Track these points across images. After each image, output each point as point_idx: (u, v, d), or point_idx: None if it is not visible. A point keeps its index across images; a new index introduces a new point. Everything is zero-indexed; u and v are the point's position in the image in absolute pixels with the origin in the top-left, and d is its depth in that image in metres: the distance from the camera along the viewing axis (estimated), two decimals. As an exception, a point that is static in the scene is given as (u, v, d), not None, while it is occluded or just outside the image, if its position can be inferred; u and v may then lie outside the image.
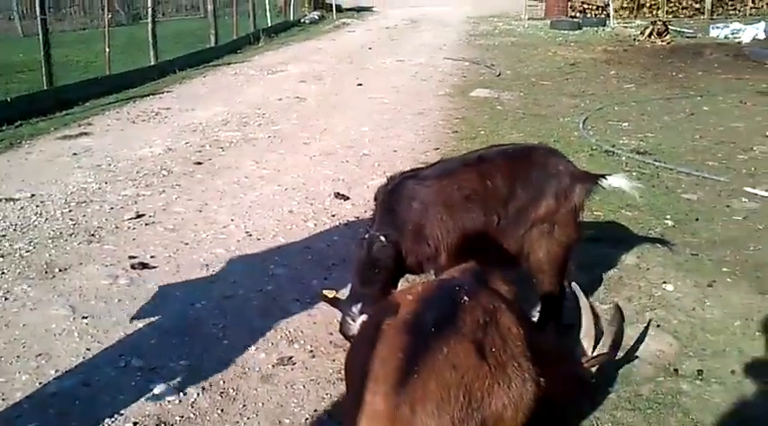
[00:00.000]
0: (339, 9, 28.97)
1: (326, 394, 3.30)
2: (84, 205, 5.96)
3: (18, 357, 3.60)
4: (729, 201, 5.84)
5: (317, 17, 26.91)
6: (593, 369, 3.13)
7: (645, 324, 3.83)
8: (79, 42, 15.98)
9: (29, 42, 13.41)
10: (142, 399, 3.24)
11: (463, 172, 3.50)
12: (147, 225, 5.50)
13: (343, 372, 3.11)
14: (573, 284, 3.57)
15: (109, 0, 14.42)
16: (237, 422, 3.11)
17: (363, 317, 3.09)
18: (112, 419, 3.11)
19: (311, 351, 3.67)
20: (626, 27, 20.79)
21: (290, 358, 3.60)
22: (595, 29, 20.74)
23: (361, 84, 12.04)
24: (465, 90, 11.31)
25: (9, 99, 9.47)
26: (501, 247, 3.52)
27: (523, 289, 3.41)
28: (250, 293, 4.32)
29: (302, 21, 25.88)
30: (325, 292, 3.42)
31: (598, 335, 3.20)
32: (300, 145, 7.95)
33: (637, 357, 3.52)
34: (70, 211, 5.80)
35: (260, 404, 3.23)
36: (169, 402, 3.22)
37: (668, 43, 16.88)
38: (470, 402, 2.15)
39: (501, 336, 2.33)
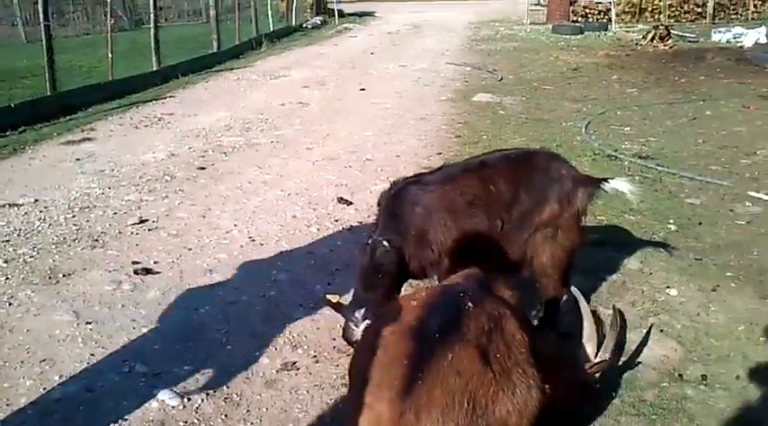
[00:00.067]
0: (341, 14, 29.01)
1: (330, 399, 3.29)
2: (87, 210, 5.97)
3: (22, 362, 3.60)
4: (733, 206, 5.83)
5: (319, 22, 26.96)
6: (597, 375, 3.13)
7: (648, 329, 3.83)
8: (82, 48, 16.05)
9: (32, 48, 13.47)
10: (146, 405, 3.24)
11: (466, 177, 3.51)
12: (150, 230, 5.50)
13: (346, 377, 3.12)
14: (573, 289, 3.57)
15: (112, 6, 14.46)
16: (241, 428, 3.12)
17: (366, 323, 3.09)
18: (116, 424, 3.12)
19: (315, 357, 3.67)
20: (628, 31, 20.79)
21: (294, 363, 3.60)
22: (597, 33, 20.74)
23: (363, 89, 12.05)
24: (467, 95, 11.32)
25: (13, 104, 9.49)
26: (504, 252, 3.52)
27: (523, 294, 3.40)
28: (253, 298, 4.32)
29: (304, 26, 25.92)
30: (328, 297, 3.42)
31: (600, 340, 3.20)
32: (303, 150, 7.96)
33: (640, 362, 3.51)
34: (74, 216, 5.81)
35: (264, 410, 3.23)
36: (173, 407, 3.22)
37: (670, 47, 16.87)
38: (475, 408, 2.15)
39: (505, 343, 2.34)
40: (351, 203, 6.06)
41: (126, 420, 3.14)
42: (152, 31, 13.89)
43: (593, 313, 3.52)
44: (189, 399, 3.28)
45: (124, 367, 3.57)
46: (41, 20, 10.54)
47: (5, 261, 4.87)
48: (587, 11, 24.36)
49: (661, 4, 23.52)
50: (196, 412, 3.19)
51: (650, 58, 15.45)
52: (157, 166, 7.30)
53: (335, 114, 10.01)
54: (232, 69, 15.11)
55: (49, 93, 10.34)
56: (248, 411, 3.22)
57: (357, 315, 3.24)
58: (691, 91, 11.41)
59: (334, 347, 3.73)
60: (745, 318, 3.95)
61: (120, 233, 5.44)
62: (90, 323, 4.02)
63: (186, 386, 3.39)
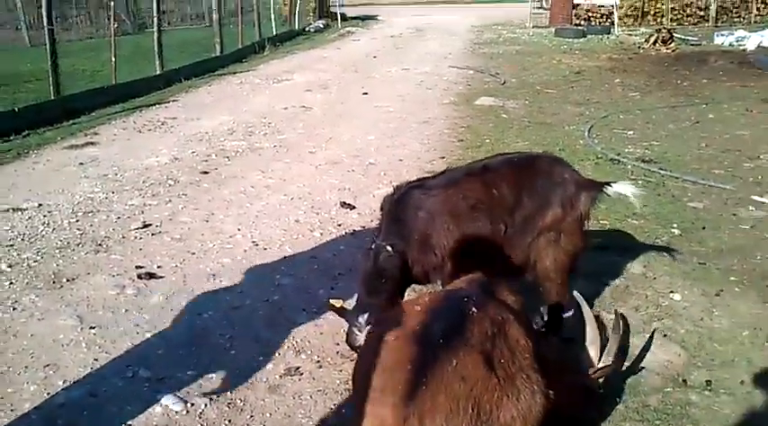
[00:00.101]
0: (344, 18, 29.05)
1: (334, 404, 3.29)
2: (90, 215, 5.98)
3: (26, 367, 3.61)
4: (736, 210, 5.83)
5: (321, 26, 27.01)
6: (601, 380, 3.12)
7: (651, 334, 3.82)
8: (86, 51, 16.08)
9: (36, 52, 13.50)
10: (150, 410, 3.24)
11: (469, 181, 3.51)
12: (153, 234, 5.51)
13: (350, 383, 3.12)
14: (575, 293, 3.58)
15: (115, 9, 14.49)
16: (245, 433, 3.12)
17: (370, 328, 3.09)
18: (120, 430, 3.12)
19: (318, 362, 3.67)
20: (630, 35, 20.79)
21: (297, 368, 3.60)
22: (600, 37, 20.73)
23: (366, 93, 12.07)
24: (470, 98, 11.33)
25: (17, 109, 9.54)
26: (507, 256, 3.52)
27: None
28: (257, 303, 4.32)
29: (307, 29, 25.96)
30: (332, 301, 3.43)
31: (603, 345, 3.20)
32: (306, 154, 7.97)
33: (644, 367, 3.51)
34: (77, 221, 5.82)
35: (267, 415, 3.23)
36: (176, 412, 3.22)
37: (673, 51, 16.87)
38: (479, 414, 2.15)
39: (509, 348, 2.34)
40: (354, 207, 6.07)
41: (129, 425, 3.14)
42: (155, 34, 13.94)
43: (596, 317, 3.52)
44: (192, 404, 3.28)
45: (128, 372, 3.58)
46: (45, 24, 10.57)
47: (9, 266, 4.88)
48: (590, 14, 24.37)
49: (663, 7, 23.53)
50: (200, 418, 3.19)
51: (653, 62, 15.46)
52: (161, 170, 7.31)
53: (338, 118, 10.02)
54: (235, 73, 15.13)
55: (52, 97, 10.37)
56: (252, 416, 3.22)
57: (360, 319, 3.24)
58: (693, 94, 11.41)
59: (338, 352, 3.73)
60: (750, 323, 3.93)
61: (123, 237, 5.45)
62: (94, 327, 4.02)
63: (190, 391, 3.39)
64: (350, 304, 3.58)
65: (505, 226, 3.45)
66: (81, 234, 5.53)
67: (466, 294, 2.53)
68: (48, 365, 3.63)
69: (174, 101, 11.77)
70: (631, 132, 8.77)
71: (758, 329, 3.86)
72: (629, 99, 11.18)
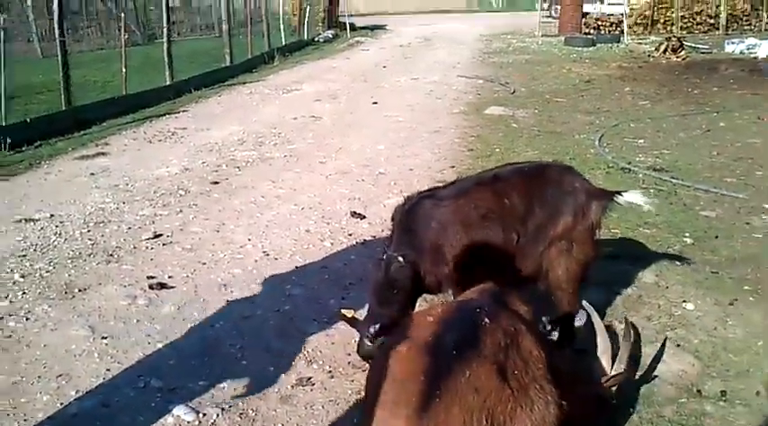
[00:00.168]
0: (353, 27, 29.13)
1: (346, 415, 3.28)
2: (102, 225, 6.00)
3: (39, 377, 3.61)
4: (749, 218, 5.79)
5: (330, 36, 27.09)
6: (614, 390, 3.10)
7: (663, 343, 3.80)
8: (96, 62, 16.19)
9: (48, 63, 13.59)
10: (161, 420, 3.24)
11: (480, 191, 3.51)
12: (164, 245, 5.53)
13: (362, 393, 3.11)
14: (584, 303, 3.56)
15: (125, 21, 14.59)
16: (257, 444, 3.11)
17: (381, 338, 3.08)
18: (132, 440, 3.12)
19: (330, 372, 3.66)
20: (640, 43, 20.78)
21: (309, 378, 3.59)
22: (609, 45, 20.73)
23: (375, 103, 12.09)
24: (480, 108, 11.33)
25: (29, 119, 9.60)
26: (519, 266, 3.51)
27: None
28: (268, 313, 4.32)
29: (316, 39, 26.04)
30: (343, 311, 3.42)
31: (615, 353, 3.18)
32: (316, 164, 7.98)
33: (658, 377, 3.48)
34: (89, 231, 5.84)
35: (279, 425, 3.22)
36: (188, 423, 3.22)
37: (683, 59, 16.84)
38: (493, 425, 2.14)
39: (522, 358, 2.33)
40: (364, 217, 6.07)
41: (142, 435, 3.15)
42: (165, 45, 14.01)
43: (607, 327, 3.50)
44: (204, 414, 3.28)
45: (140, 382, 3.58)
46: (57, 35, 10.66)
47: (22, 276, 4.90)
48: (599, 23, 24.39)
49: (673, 15, 23.51)
50: (211, 428, 3.19)
51: (663, 70, 15.44)
52: (171, 181, 7.34)
53: (348, 128, 10.04)
54: (245, 83, 15.19)
55: (64, 108, 10.45)
56: (263, 426, 3.22)
57: (372, 330, 3.22)
58: (704, 102, 11.38)
59: (349, 362, 3.72)
60: (764, 333, 3.90)
61: (134, 248, 5.47)
62: (106, 338, 4.03)
63: (201, 402, 3.39)
64: (361, 314, 3.58)
65: (517, 235, 3.44)
66: (92, 244, 5.55)
67: (478, 304, 2.52)
68: (60, 375, 3.64)
69: (184, 111, 11.82)
70: (642, 141, 8.75)
71: (773, 339, 3.83)
72: (639, 107, 11.16)
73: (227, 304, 4.46)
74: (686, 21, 23.69)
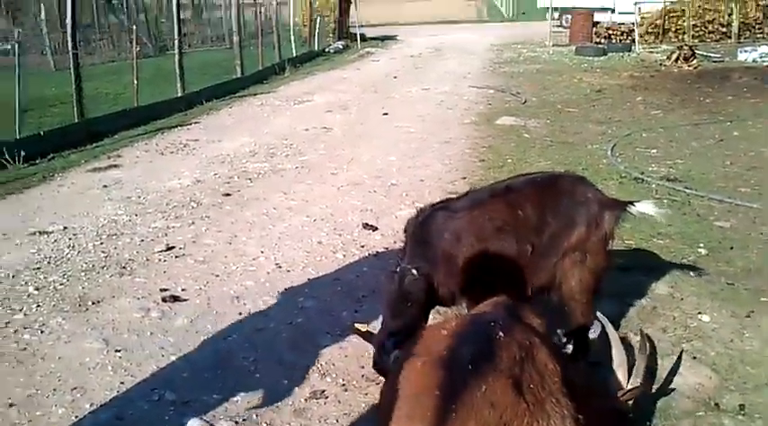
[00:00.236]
0: (363, 38, 29.23)
1: (360, 428, 3.28)
2: (114, 237, 6.03)
3: (54, 390, 3.62)
4: (764, 229, 5.74)
5: (341, 47, 27.19)
6: (630, 403, 3.08)
7: (679, 356, 3.77)
8: (108, 75, 16.34)
9: (60, 76, 13.71)
10: (175, 434, 3.25)
11: (493, 202, 3.50)
12: (177, 257, 5.54)
13: (376, 407, 3.10)
14: (599, 315, 3.54)
15: (137, 33, 14.70)
16: (271, 458, 3.10)
17: (396, 352, 3.06)
18: (146, 454, 3.12)
19: (343, 385, 3.65)
20: (651, 52, 20.74)
21: (323, 391, 3.59)
22: (621, 54, 20.69)
23: (386, 114, 12.10)
24: (491, 118, 11.32)
25: (42, 132, 9.68)
26: (533, 277, 3.50)
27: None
28: (280, 326, 4.32)
29: (327, 50, 26.14)
30: (357, 326, 3.41)
31: (631, 366, 3.16)
32: (328, 175, 7.99)
33: (674, 390, 3.45)
34: (102, 244, 5.87)
35: (293, 439, 3.22)
36: (202, 436, 3.22)
37: (695, 68, 16.78)
38: (509, 440, 2.12)
39: (538, 372, 2.31)
40: (376, 229, 6.06)
41: (156, 449, 3.15)
42: (176, 57, 14.12)
43: (623, 339, 3.47)
44: (218, 428, 3.28)
45: (153, 395, 3.58)
46: (70, 48, 10.75)
47: (37, 289, 4.92)
48: (610, 32, 24.36)
49: (685, 24, 23.43)
50: (225, 442, 3.19)
51: (675, 79, 15.38)
52: (183, 193, 7.36)
53: (359, 139, 10.05)
54: (256, 94, 15.25)
55: (76, 121, 10.53)
56: (277, 440, 3.21)
57: (387, 344, 3.21)
58: (717, 111, 11.32)
59: (363, 375, 3.71)
60: (782, 345, 3.87)
61: (147, 260, 5.48)
62: (119, 350, 4.04)
63: (215, 415, 3.39)
64: (374, 327, 3.57)
65: (531, 246, 3.43)
66: (105, 256, 5.57)
67: (492, 318, 2.51)
68: (75, 388, 3.65)
69: (195, 123, 11.87)
70: (655, 150, 8.71)
71: (791, 351, 3.79)
72: (651, 117, 11.11)
73: (240, 316, 4.47)
74: (698, 29, 23.60)
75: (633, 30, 23.00)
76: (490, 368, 2.23)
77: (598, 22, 25.48)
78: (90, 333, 4.25)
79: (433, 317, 3.64)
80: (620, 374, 3.09)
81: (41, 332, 4.28)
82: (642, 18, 23.75)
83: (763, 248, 5.32)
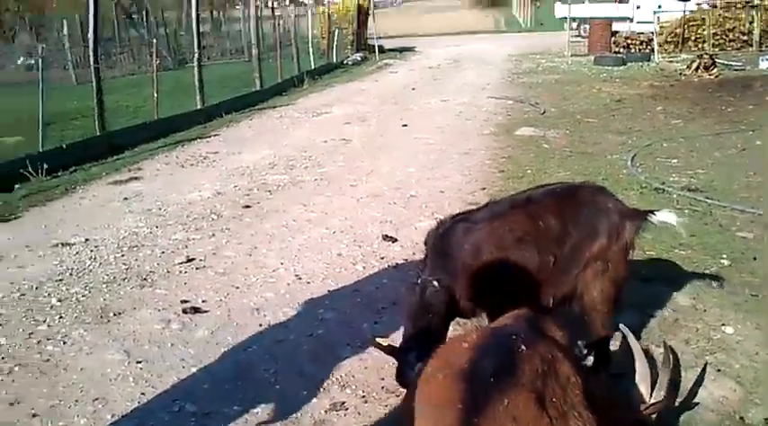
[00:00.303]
0: (381, 50, 29.30)
1: (380, 441, 3.27)
2: (136, 249, 6.07)
3: (76, 401, 3.66)
4: (788, 239, 5.68)
5: (359, 58, 27.27)
6: (653, 417, 3.04)
7: (703, 368, 3.72)
8: (128, 88, 16.53)
9: (82, 90, 13.90)
10: (196, 446, 3.26)
11: (513, 213, 3.49)
12: (197, 269, 5.57)
13: (397, 419, 3.09)
14: (622, 326, 3.51)
15: (157, 46, 14.85)
16: (291, 470, 3.10)
17: (420, 365, 3.05)
18: (168, 466, 3.13)
19: (363, 397, 3.64)
20: (671, 61, 20.61)
21: (343, 403, 3.58)
22: (640, 64, 20.57)
23: (405, 125, 12.10)
24: (510, 129, 11.29)
25: (65, 145, 9.81)
26: (554, 288, 3.48)
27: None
28: (300, 337, 4.33)
29: (345, 62, 26.24)
30: (378, 340, 3.39)
31: (654, 379, 3.12)
32: (347, 187, 8.01)
33: (698, 403, 3.41)
34: (123, 256, 5.91)
35: (313, 452, 3.21)
36: (223, 448, 3.23)
37: (716, 77, 16.64)
38: (532, 455, 2.10)
39: (560, 385, 2.29)
40: (396, 240, 6.06)
41: (177, 461, 3.15)
42: (196, 70, 14.24)
43: (645, 351, 3.44)
44: (239, 440, 3.28)
45: (174, 406, 3.60)
46: (92, 62, 10.90)
47: (59, 300, 4.97)
48: (629, 41, 24.23)
49: (705, 33, 23.28)
50: (246, 454, 3.19)
51: (695, 88, 15.26)
52: (204, 205, 7.41)
53: (378, 150, 10.07)
54: (275, 107, 15.34)
55: (98, 134, 10.65)
56: (298, 452, 3.20)
57: (411, 357, 3.20)
58: (739, 121, 11.21)
59: (383, 387, 3.71)
60: (807, 357, 3.81)
61: (168, 272, 5.52)
62: (140, 362, 4.07)
63: (236, 427, 3.40)
64: (393, 338, 3.56)
65: (553, 257, 3.41)
66: (127, 268, 5.62)
67: (514, 331, 2.49)
68: (97, 399, 3.68)
69: (215, 135, 11.96)
70: (675, 160, 8.64)
71: (816, 364, 3.74)
72: (672, 127, 11.03)
73: (261, 328, 4.48)
74: (718, 38, 23.41)
75: (652, 39, 22.85)
76: (512, 381, 2.21)
77: (617, 32, 25.36)
78: (111, 345, 4.28)
79: (453, 329, 3.64)
80: (643, 387, 3.06)
81: (64, 343, 4.32)
82: (661, 27, 23.63)
83: (787, 259, 5.26)
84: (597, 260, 3.44)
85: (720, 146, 9.30)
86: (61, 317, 4.69)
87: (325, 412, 3.52)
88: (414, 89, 17.58)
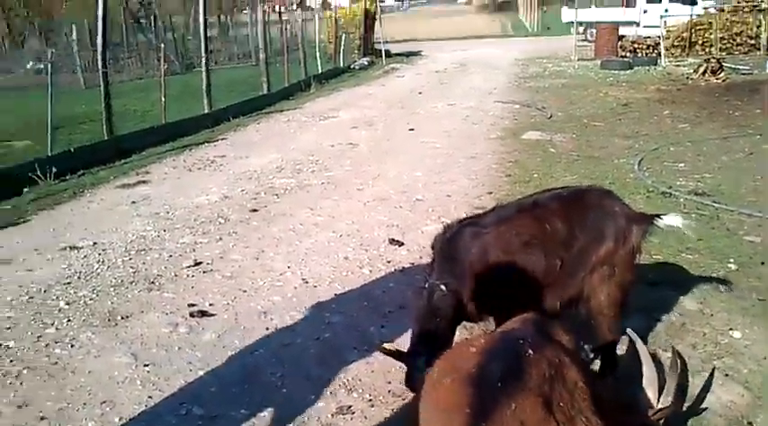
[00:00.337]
0: (388, 54, 29.32)
1: (387, 444, 3.27)
2: (143, 253, 6.09)
3: (84, 404, 3.67)
4: (795, 244, 5.66)
5: (366, 63, 27.30)
6: (661, 421, 3.03)
7: (711, 373, 3.71)
8: (136, 92, 16.58)
9: (90, 94, 13.96)
10: (204, 449, 3.26)
11: (520, 217, 3.49)
12: (205, 272, 5.58)
13: (403, 422, 3.09)
14: (629, 331, 3.51)
15: (164, 50, 14.90)
16: (298, 474, 3.11)
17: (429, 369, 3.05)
18: (175, 469, 3.14)
19: (370, 400, 3.65)
20: (678, 65, 20.58)
21: (349, 407, 3.59)
22: (647, 68, 20.55)
23: (412, 129, 12.11)
24: (517, 133, 11.29)
25: (73, 149, 9.86)
26: (561, 292, 3.49)
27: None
28: (307, 341, 4.33)
29: (352, 66, 26.28)
30: (385, 346, 3.39)
31: (662, 384, 3.11)
32: (354, 191, 8.02)
33: (706, 408, 3.40)
34: (130, 259, 5.93)
35: (320, 455, 3.22)
36: (230, 452, 3.23)
37: (723, 81, 16.61)
38: (539, 459, 2.10)
39: (567, 390, 2.29)
40: (402, 244, 6.06)
41: (184, 464, 3.16)
42: (203, 74, 14.27)
43: (653, 356, 3.43)
44: (246, 443, 3.29)
45: (181, 409, 3.61)
46: (100, 67, 10.94)
47: (67, 304, 4.99)
48: (636, 46, 24.16)
49: (712, 37, 23.21)
50: (253, 457, 3.20)
51: (702, 92, 15.23)
52: (211, 209, 7.43)
53: (385, 154, 10.08)
54: (282, 111, 15.36)
55: (106, 138, 10.70)
56: (305, 456, 3.21)
57: (419, 361, 3.20)
58: (746, 125, 11.18)
59: (390, 391, 3.71)
60: (815, 362, 3.80)
61: (175, 275, 5.53)
62: (148, 365, 4.08)
63: (242, 430, 3.41)
64: (399, 342, 3.57)
65: (561, 261, 3.41)
66: (134, 272, 5.64)
67: (522, 335, 2.49)
68: (104, 402, 3.69)
69: (222, 139, 11.99)
70: (682, 164, 8.63)
71: (825, 368, 3.72)
72: (679, 131, 11.01)
73: (268, 331, 4.49)
74: (725, 42, 23.31)
75: (659, 43, 22.82)
76: (520, 385, 2.21)
77: (623, 36, 25.32)
78: (119, 348, 4.30)
79: (460, 333, 3.64)
80: (651, 392, 3.05)
81: (72, 346, 4.34)
82: (668, 31, 23.58)
83: (795, 263, 5.24)
84: (604, 264, 3.45)
85: (728, 151, 9.29)
86: (69, 320, 4.71)
87: (332, 415, 3.53)
88: (420, 93, 17.58)
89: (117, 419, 3.54)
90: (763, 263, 5.24)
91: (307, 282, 5.31)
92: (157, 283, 5.38)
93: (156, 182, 8.84)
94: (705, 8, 25.38)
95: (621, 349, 3.77)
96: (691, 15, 23.74)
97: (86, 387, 3.84)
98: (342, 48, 25.96)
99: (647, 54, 23.36)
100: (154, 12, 33.11)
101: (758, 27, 23.29)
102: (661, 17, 23.92)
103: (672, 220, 3.56)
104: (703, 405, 3.44)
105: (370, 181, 8.43)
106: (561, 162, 9.03)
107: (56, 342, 4.39)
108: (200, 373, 3.99)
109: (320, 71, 22.16)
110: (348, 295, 5.04)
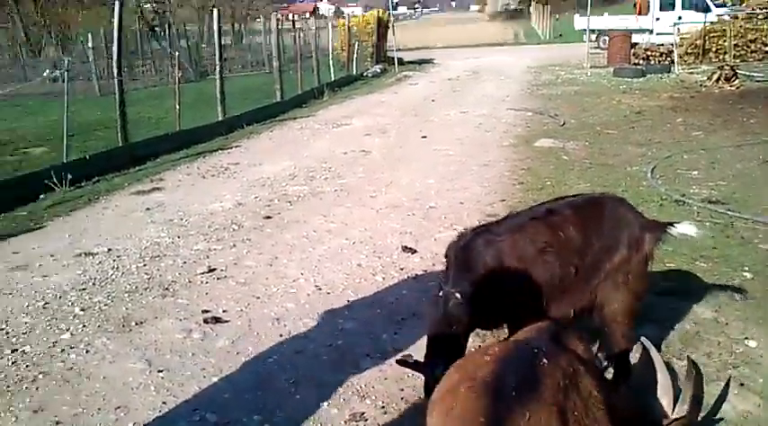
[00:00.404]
0: (401, 62, 29.40)
1: (400, 452, 3.27)
2: (157, 259, 6.13)
3: (99, 409, 3.70)
4: (811, 252, 5.62)
5: (379, 70, 27.37)
6: (676, 431, 3.01)
7: (727, 383, 3.69)
8: (150, 99, 16.71)
9: (105, 101, 14.08)
10: (217, 455, 3.27)
11: (534, 225, 3.49)
12: (218, 279, 5.61)
13: (417, 430, 3.08)
14: (643, 339, 3.49)
15: (179, 58, 15.00)
16: (312, 481, 3.11)
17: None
18: (189, 475, 3.15)
19: (383, 408, 3.65)
20: (692, 73, 20.49)
21: (362, 414, 3.59)
22: (660, 75, 20.47)
23: (425, 137, 12.13)
24: (529, 140, 11.28)
25: (88, 156, 9.95)
26: (575, 300, 3.48)
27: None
28: (320, 348, 4.34)
29: (365, 74, 26.36)
30: (403, 357, 3.37)
31: (676, 394, 3.10)
32: (367, 198, 8.03)
33: (722, 418, 3.38)
34: (145, 265, 5.97)
35: (333, 462, 3.22)
36: (244, 458, 3.24)
37: (737, 88, 16.51)
38: (554, 468, 2.10)
39: (582, 399, 2.28)
40: (415, 251, 6.07)
41: (198, 470, 3.17)
42: (217, 82, 14.33)
43: (667, 365, 3.42)
44: (259, 450, 3.30)
45: (195, 415, 3.62)
46: (115, 74, 11.02)
47: (82, 310, 5.03)
48: (649, 53, 24.10)
49: (726, 44, 23.09)
50: (267, 464, 3.20)
51: (716, 100, 15.14)
52: (225, 215, 7.46)
53: (398, 162, 10.09)
54: (295, 118, 15.42)
55: (120, 145, 10.77)
56: (318, 463, 3.21)
57: (438, 371, 3.19)
58: (761, 132, 11.09)
59: (402, 398, 3.71)
60: (832, 372, 3.77)
61: (189, 282, 5.56)
62: (162, 371, 4.10)
63: (256, 437, 3.41)
64: (412, 349, 3.56)
65: (574, 269, 3.41)
66: (148, 278, 5.67)
67: (536, 344, 2.49)
68: (119, 407, 3.71)
69: (236, 146, 12.05)
70: (696, 172, 8.58)
71: (841, 378, 3.69)
72: (692, 138, 10.95)
73: (281, 338, 4.50)
74: (739, 49, 23.19)
75: (672, 50, 22.74)
76: (534, 394, 2.21)
77: (636, 44, 25.26)
78: (133, 354, 4.32)
79: (472, 340, 3.64)
80: (666, 401, 3.03)
81: (87, 351, 4.37)
82: (681, 38, 23.48)
83: (811, 272, 5.20)
84: (617, 271, 3.45)
85: (742, 158, 9.23)
86: (84, 326, 4.74)
87: (345, 422, 3.53)
88: (433, 101, 17.61)
89: (131, 424, 3.56)
90: (778, 272, 5.21)
91: (320, 289, 5.32)
92: (171, 289, 5.41)
93: (170, 189, 8.89)
94: (719, 15, 25.25)
95: (635, 357, 3.75)
96: (704, 22, 23.64)
97: (101, 393, 3.86)
98: (355, 55, 26.08)
99: (660, 61, 23.29)
100: (168, 20, 33.37)
101: (772, 34, 23.16)
102: (674, 24, 23.84)
103: (685, 228, 3.55)
104: (719, 415, 3.41)
105: (382, 189, 8.45)
106: (574, 169, 9.01)
107: (71, 348, 4.42)
108: (214, 379, 4.00)
109: (333, 79, 22.26)
110: (361, 302, 5.05)
